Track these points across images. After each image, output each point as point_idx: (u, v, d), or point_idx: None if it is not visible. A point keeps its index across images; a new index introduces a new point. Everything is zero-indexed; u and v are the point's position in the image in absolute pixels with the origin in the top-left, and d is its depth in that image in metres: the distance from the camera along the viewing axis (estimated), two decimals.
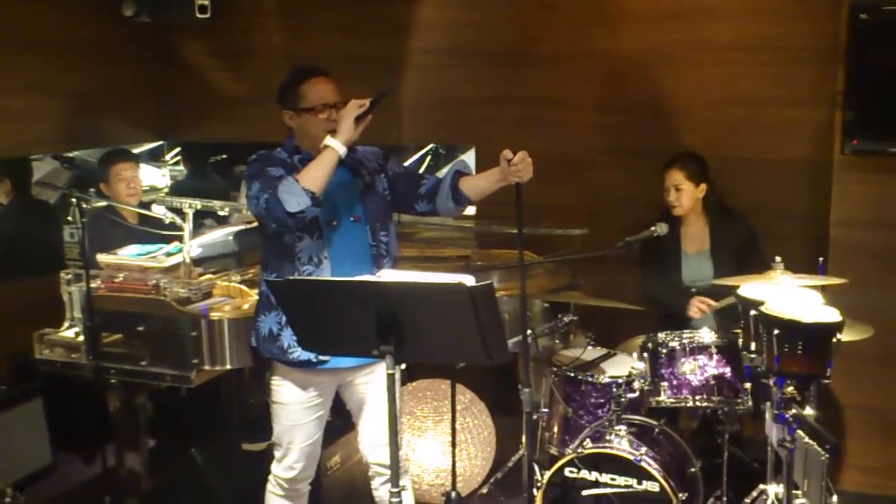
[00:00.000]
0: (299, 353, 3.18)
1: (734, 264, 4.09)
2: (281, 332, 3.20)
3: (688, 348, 3.73)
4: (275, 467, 3.38)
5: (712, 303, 4.10)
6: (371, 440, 3.37)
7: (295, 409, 3.28)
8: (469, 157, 5.23)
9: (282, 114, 3.23)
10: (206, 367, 3.64)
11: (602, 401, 3.85)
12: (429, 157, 5.76)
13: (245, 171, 3.23)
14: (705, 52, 4.59)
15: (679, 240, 4.30)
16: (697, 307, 4.14)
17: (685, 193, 4.20)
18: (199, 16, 4.67)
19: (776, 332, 3.10)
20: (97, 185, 4.41)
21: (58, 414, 4.47)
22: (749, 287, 3.47)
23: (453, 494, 3.83)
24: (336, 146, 3.05)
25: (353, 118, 3.06)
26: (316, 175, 3.02)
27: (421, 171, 5.67)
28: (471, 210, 5.32)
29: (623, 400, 3.75)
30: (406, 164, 5.63)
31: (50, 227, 4.80)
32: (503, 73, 4.98)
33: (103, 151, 4.79)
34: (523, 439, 3.90)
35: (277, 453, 3.36)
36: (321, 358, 3.17)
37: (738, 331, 3.56)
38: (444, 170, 3.45)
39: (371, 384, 3.33)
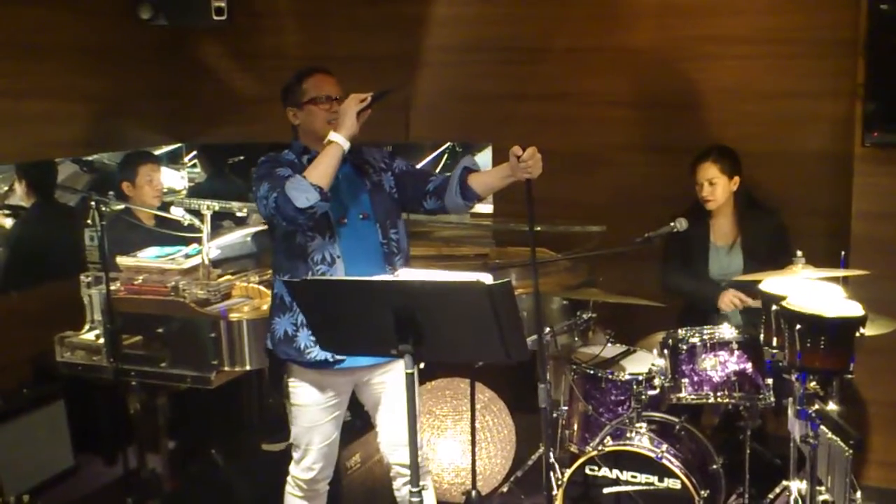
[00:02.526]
0: (316, 354, 3.18)
1: (766, 257, 4.05)
2: (297, 334, 3.21)
3: (708, 344, 3.70)
4: (293, 469, 3.39)
5: (747, 298, 4.04)
6: (391, 440, 3.37)
7: (313, 410, 3.28)
8: (486, 155, 5.23)
9: (286, 112, 3.26)
10: (226, 369, 3.66)
11: (622, 398, 3.83)
12: (445, 156, 5.75)
13: (254, 173, 3.23)
14: (723, 46, 4.56)
15: (708, 233, 4.27)
16: (731, 300, 4.09)
17: (719, 187, 4.15)
18: (215, 18, 4.69)
19: (798, 326, 3.07)
20: (119, 185, 4.43)
21: (79, 416, 4.50)
22: (771, 282, 3.44)
23: (473, 493, 3.83)
24: (339, 140, 3.06)
25: (354, 112, 3.07)
26: (322, 170, 3.04)
27: (438, 169, 5.67)
28: (488, 208, 5.32)
29: (643, 397, 3.73)
30: (422, 162, 5.64)
31: (72, 231, 4.83)
32: (520, 69, 4.96)
33: (126, 153, 4.82)
34: (543, 437, 3.89)
35: (296, 454, 3.37)
36: (337, 358, 3.17)
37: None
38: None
39: (387, 383, 3.33)
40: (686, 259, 4.29)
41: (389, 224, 3.28)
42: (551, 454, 3.87)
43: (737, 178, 4.18)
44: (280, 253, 3.24)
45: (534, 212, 3.03)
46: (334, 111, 3.17)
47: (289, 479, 3.41)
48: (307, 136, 3.24)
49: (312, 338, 3.17)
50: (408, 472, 3.23)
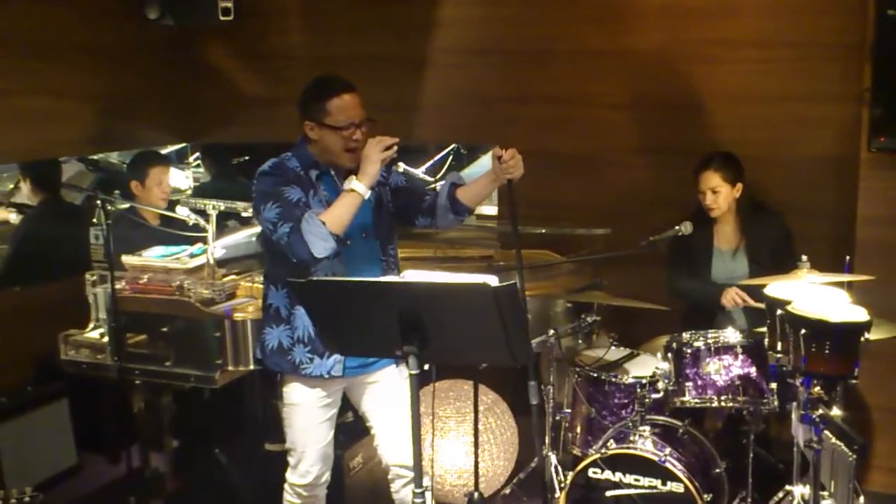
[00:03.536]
0: (311, 370, 3.19)
1: (771, 261, 4.06)
2: (292, 348, 3.20)
3: (713, 348, 3.70)
4: (290, 475, 3.35)
5: (748, 298, 4.04)
6: (389, 441, 3.35)
7: (308, 409, 3.27)
8: (490, 157, 5.23)
9: (302, 123, 3.16)
10: (230, 368, 3.66)
11: (626, 401, 3.83)
12: (451, 158, 5.75)
13: (256, 185, 3.15)
14: (729, 49, 4.55)
15: (712, 237, 4.26)
16: (733, 297, 4.08)
17: (722, 195, 4.14)
18: (222, 18, 4.68)
19: (803, 331, 3.07)
20: (127, 184, 4.44)
21: (83, 414, 4.50)
22: (776, 286, 3.44)
23: (476, 495, 3.82)
24: (361, 190, 3.02)
25: (378, 161, 3.01)
26: (343, 219, 3.01)
27: (443, 171, 5.67)
28: (492, 210, 5.32)
29: (647, 400, 3.73)
30: (426, 165, 5.64)
31: (78, 230, 4.83)
32: (525, 71, 4.96)
33: (137, 152, 4.82)
34: (546, 439, 3.89)
35: (292, 459, 3.34)
36: (333, 374, 3.19)
37: (763, 329, 3.52)
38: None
39: (380, 381, 3.32)
40: (690, 263, 4.29)
41: (388, 240, 3.27)
42: (553, 457, 3.88)
43: (740, 185, 4.18)
44: (279, 266, 3.18)
45: (517, 212, 3.06)
46: (355, 139, 3.10)
47: (286, 486, 3.38)
48: (320, 151, 3.17)
49: (309, 354, 3.18)
50: (406, 472, 3.24)
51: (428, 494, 3.39)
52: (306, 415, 3.28)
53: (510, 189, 3.09)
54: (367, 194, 3.04)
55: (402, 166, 3.33)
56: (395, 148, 3.03)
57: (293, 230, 2.99)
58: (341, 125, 3.08)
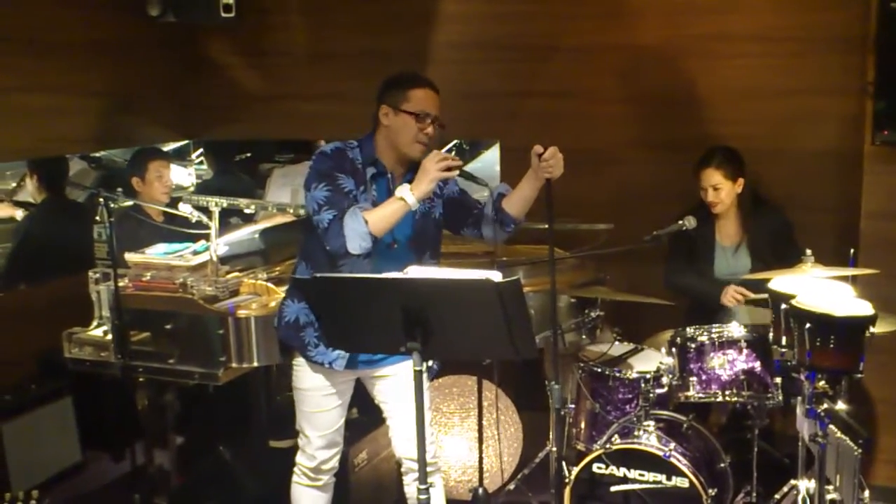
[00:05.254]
0: (315, 355, 3.22)
1: (772, 255, 4.05)
2: (306, 327, 3.23)
3: (717, 343, 3.70)
4: (299, 456, 3.42)
5: (748, 293, 4.03)
6: (402, 435, 3.37)
7: (316, 395, 3.30)
8: (493, 152, 5.22)
9: (378, 108, 3.16)
10: (234, 365, 3.65)
11: (630, 396, 3.83)
12: (453, 153, 5.74)
13: (313, 161, 3.16)
14: (733, 43, 4.54)
15: (714, 232, 4.26)
16: (732, 295, 4.07)
17: (724, 192, 4.13)
18: (223, 15, 4.69)
19: (808, 325, 3.07)
20: (128, 181, 4.44)
21: (87, 412, 4.51)
22: (780, 280, 3.43)
23: (480, 490, 3.82)
24: (410, 201, 3.01)
25: (435, 176, 3.00)
26: (385, 224, 3.02)
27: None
28: None
29: (651, 395, 3.73)
30: None
31: (82, 227, 4.83)
32: (527, 66, 4.95)
33: (136, 149, 4.82)
34: (550, 435, 3.89)
35: (301, 441, 3.40)
36: (335, 367, 3.21)
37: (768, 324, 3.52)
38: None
39: (393, 376, 3.34)
40: (691, 258, 4.28)
41: (429, 255, 3.26)
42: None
43: (741, 180, 4.16)
44: (315, 245, 3.17)
45: (553, 212, 3.02)
46: (426, 133, 3.12)
47: (295, 468, 3.44)
48: (386, 142, 3.17)
49: (317, 339, 3.21)
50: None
51: (437, 490, 3.41)
52: (311, 402, 3.32)
53: (548, 189, 3.06)
54: (416, 206, 3.03)
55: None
56: (456, 172, 3.02)
57: (336, 218, 3.00)
58: (418, 111, 3.10)
